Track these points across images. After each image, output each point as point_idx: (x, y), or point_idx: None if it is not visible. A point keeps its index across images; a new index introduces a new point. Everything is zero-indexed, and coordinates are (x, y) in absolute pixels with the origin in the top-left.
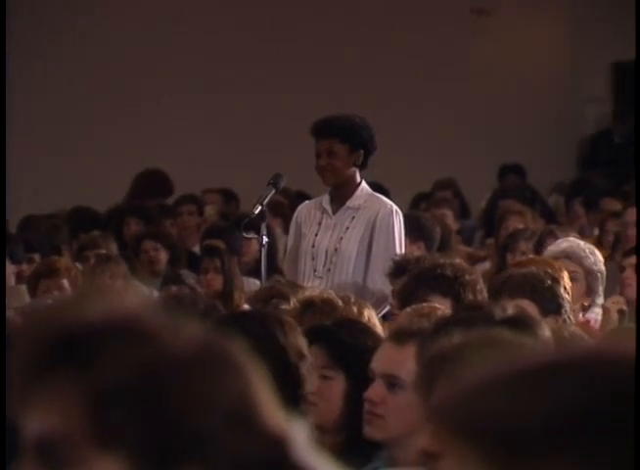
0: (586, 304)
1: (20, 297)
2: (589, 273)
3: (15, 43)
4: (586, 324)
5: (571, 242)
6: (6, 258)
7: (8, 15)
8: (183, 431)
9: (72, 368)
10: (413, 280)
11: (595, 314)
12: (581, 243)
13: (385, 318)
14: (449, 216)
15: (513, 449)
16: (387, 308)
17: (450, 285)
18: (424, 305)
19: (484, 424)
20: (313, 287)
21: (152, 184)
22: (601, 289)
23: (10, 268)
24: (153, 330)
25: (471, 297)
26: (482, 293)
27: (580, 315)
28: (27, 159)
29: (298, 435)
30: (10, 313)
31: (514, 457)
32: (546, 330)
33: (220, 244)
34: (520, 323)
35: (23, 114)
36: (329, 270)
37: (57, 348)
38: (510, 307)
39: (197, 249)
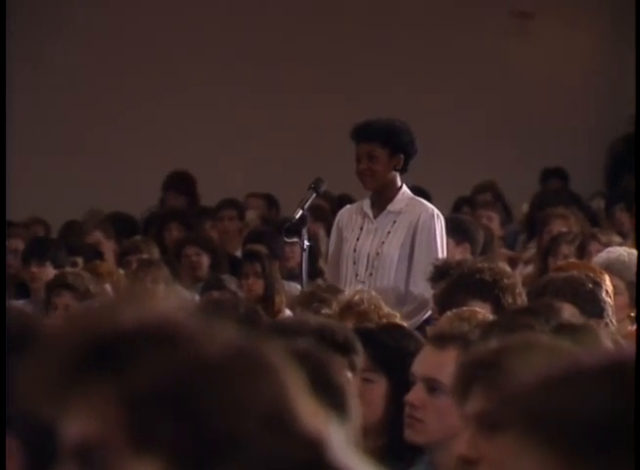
0: (632, 314)
1: None
2: (631, 285)
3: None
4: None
5: (612, 253)
6: (48, 263)
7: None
8: (219, 434)
9: (109, 373)
10: (452, 285)
11: None
12: (624, 253)
13: (427, 323)
14: (495, 219)
15: (581, 447)
16: (429, 313)
17: (490, 290)
18: (464, 308)
19: (553, 422)
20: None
21: (180, 183)
22: None
23: (53, 273)
24: (188, 334)
25: (510, 301)
26: (522, 296)
27: (629, 327)
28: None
29: (336, 437)
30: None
31: (581, 455)
32: (606, 338)
33: (261, 248)
34: (580, 331)
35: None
36: (371, 275)
37: (93, 353)
38: (565, 311)
39: (238, 253)
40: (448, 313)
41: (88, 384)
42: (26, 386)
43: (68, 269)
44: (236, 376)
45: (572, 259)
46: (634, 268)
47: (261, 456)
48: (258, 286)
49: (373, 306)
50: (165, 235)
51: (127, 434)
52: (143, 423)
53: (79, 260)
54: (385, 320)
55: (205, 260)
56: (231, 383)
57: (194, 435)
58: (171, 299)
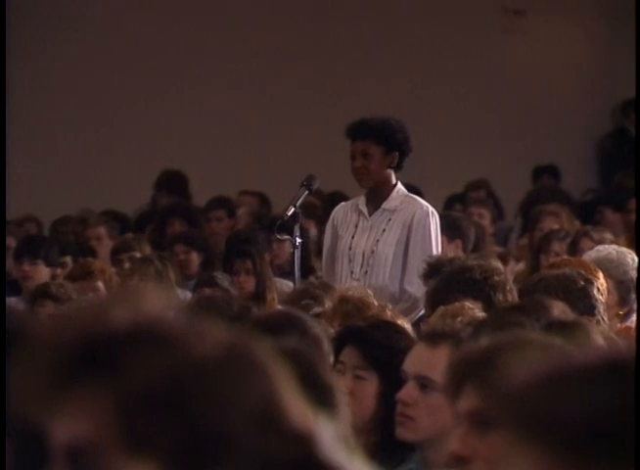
0: (622, 313)
1: None
2: (620, 283)
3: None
4: (628, 330)
5: (601, 252)
6: (40, 261)
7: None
8: (212, 434)
9: (101, 374)
10: (442, 284)
11: (631, 322)
12: (612, 251)
13: (421, 321)
14: (486, 216)
15: (576, 448)
16: (422, 311)
17: (480, 288)
18: (455, 304)
19: (546, 420)
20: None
21: (172, 182)
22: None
23: (44, 271)
24: (179, 334)
25: (501, 298)
26: (512, 292)
27: (618, 325)
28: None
29: (325, 434)
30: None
31: (574, 455)
32: (598, 335)
33: (244, 247)
34: (570, 328)
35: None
36: (366, 272)
37: (84, 354)
38: (556, 308)
39: None
40: (438, 310)
41: (79, 385)
42: (16, 386)
43: (51, 281)
44: (227, 375)
45: (566, 257)
46: (622, 267)
47: (252, 454)
48: (250, 283)
49: (364, 305)
50: (167, 230)
51: (121, 436)
52: (136, 425)
53: (68, 259)
54: (380, 313)
55: (194, 258)
56: (221, 382)
57: (187, 435)
58: (162, 298)
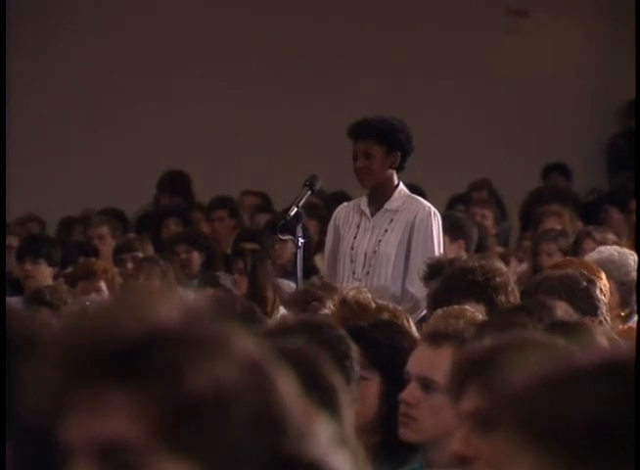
0: (623, 314)
1: None
2: (621, 284)
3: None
4: (630, 331)
5: (602, 253)
6: (43, 261)
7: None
8: (237, 437)
9: (143, 376)
10: (444, 287)
11: (633, 323)
12: (614, 252)
13: (423, 321)
14: (489, 217)
15: (576, 449)
16: (424, 312)
17: (483, 290)
18: (454, 307)
19: (547, 421)
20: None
21: (175, 183)
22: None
23: (47, 271)
24: (219, 338)
25: (503, 299)
26: (514, 293)
27: (620, 326)
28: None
29: (324, 433)
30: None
31: (575, 457)
32: (601, 336)
33: (250, 246)
34: (573, 328)
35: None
36: (368, 273)
37: (124, 354)
38: (558, 308)
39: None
40: (438, 312)
41: (119, 385)
42: (33, 386)
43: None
44: (253, 382)
45: (569, 257)
46: (624, 268)
47: (255, 455)
48: (243, 283)
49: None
50: (163, 232)
51: (160, 436)
52: (176, 426)
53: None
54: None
55: (195, 258)
56: (252, 386)
57: (220, 438)
58: (181, 299)
